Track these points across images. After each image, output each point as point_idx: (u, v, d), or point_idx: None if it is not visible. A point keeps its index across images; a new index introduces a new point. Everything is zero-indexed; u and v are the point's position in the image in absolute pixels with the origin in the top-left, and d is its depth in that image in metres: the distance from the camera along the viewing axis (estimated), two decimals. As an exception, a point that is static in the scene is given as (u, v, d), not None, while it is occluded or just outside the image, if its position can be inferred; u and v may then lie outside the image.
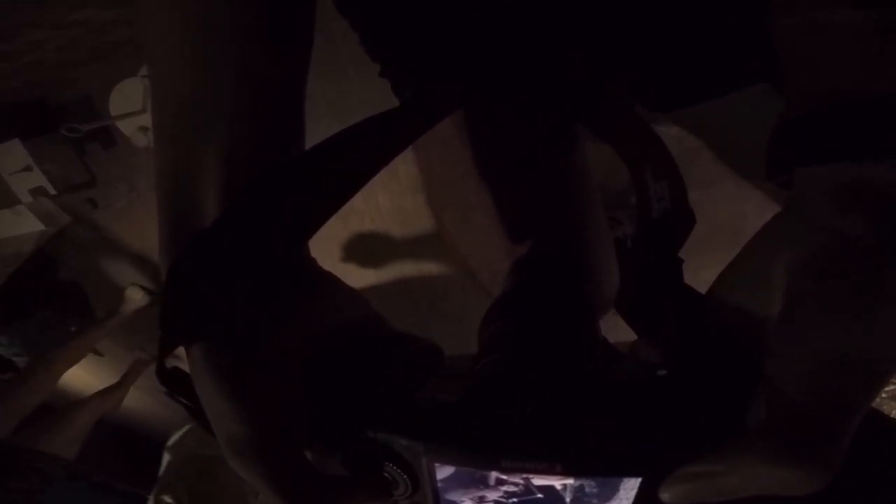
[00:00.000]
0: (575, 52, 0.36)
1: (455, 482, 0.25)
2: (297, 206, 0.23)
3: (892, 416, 0.23)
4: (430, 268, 1.08)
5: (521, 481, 0.24)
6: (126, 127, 1.28)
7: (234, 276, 0.22)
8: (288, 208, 0.23)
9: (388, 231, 1.03)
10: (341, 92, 0.95)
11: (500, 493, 0.25)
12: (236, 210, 0.22)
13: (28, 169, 1.23)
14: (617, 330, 0.33)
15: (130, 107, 1.26)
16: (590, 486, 0.24)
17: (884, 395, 1.58)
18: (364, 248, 1.08)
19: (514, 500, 0.25)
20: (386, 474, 0.25)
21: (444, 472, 0.24)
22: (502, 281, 0.36)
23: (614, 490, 0.24)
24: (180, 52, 0.23)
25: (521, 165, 0.37)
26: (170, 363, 0.23)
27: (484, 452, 0.22)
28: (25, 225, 1.27)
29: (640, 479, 0.23)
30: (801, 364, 0.19)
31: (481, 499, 0.26)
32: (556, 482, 0.24)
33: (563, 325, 0.30)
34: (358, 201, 1.03)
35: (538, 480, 0.24)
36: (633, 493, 0.24)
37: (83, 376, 1.72)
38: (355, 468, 0.25)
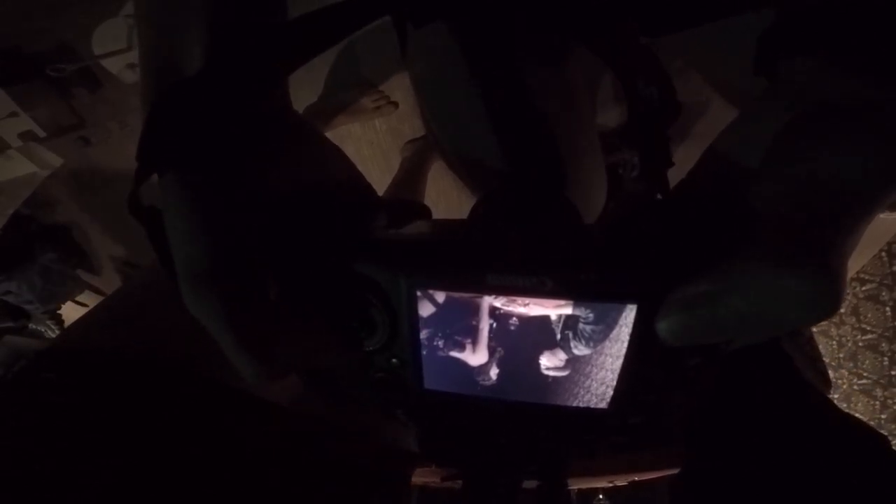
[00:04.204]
0: None
1: (438, 320, 0.23)
2: (277, 51, 0.23)
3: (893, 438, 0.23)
4: (427, 189, 1.06)
5: (509, 308, 0.22)
6: (112, 65, 1.25)
7: (213, 111, 0.21)
8: (268, 53, 0.23)
9: (386, 154, 1.01)
10: None
11: (486, 337, 0.23)
12: (219, 58, 0.22)
13: (14, 115, 1.21)
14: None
15: (115, 46, 1.23)
16: (585, 319, 0.22)
17: (883, 417, 1.56)
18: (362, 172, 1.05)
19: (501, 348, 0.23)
20: (364, 318, 0.23)
21: (426, 308, 0.22)
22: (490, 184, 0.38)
23: (608, 328, 0.22)
24: None
25: (512, 76, 0.37)
26: None
27: (469, 267, 0.21)
28: (19, 168, 1.26)
29: (633, 313, 0.21)
30: (786, 184, 0.19)
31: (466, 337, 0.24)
32: (553, 311, 0.22)
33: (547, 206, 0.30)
34: (355, 126, 1.00)
35: (532, 309, 0.22)
36: (626, 333, 0.22)
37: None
38: (335, 310, 0.24)
